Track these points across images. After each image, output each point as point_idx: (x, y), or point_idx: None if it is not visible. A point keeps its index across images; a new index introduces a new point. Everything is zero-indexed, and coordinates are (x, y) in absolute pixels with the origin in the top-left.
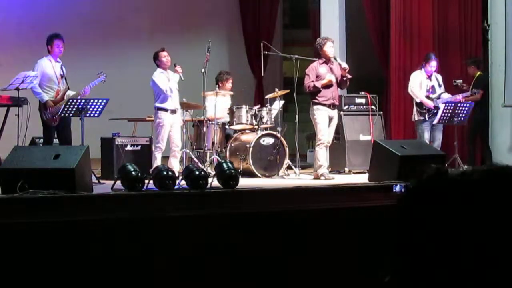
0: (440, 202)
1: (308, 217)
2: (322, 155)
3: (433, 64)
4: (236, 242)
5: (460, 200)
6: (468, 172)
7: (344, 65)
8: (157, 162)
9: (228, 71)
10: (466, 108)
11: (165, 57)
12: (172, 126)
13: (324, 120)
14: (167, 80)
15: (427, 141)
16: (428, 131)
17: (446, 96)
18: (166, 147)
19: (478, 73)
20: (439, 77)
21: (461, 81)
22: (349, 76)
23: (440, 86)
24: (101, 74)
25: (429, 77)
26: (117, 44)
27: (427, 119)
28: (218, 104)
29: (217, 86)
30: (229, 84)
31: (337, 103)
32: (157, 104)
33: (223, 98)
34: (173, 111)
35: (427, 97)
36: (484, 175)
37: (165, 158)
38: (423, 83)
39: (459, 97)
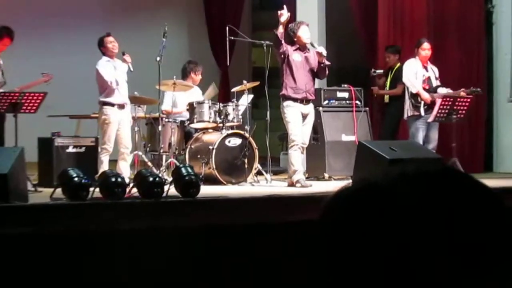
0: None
1: (281, 231)
2: (296, 158)
3: (426, 47)
4: (196, 261)
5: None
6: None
7: (321, 49)
8: (104, 166)
9: (196, 60)
10: (467, 104)
11: (111, 43)
12: (120, 124)
13: (295, 118)
14: (113, 70)
15: (421, 142)
16: (424, 130)
17: (444, 90)
18: (115, 149)
19: (399, 64)
20: (435, 69)
21: (382, 71)
22: (328, 63)
23: (436, 79)
24: (46, 74)
25: (425, 68)
26: (56, 29)
27: (423, 114)
28: (178, 100)
29: (186, 78)
30: (200, 77)
31: (312, 97)
32: (102, 98)
33: (183, 93)
34: (121, 106)
35: (423, 89)
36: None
37: (114, 162)
38: (418, 73)
39: (463, 93)
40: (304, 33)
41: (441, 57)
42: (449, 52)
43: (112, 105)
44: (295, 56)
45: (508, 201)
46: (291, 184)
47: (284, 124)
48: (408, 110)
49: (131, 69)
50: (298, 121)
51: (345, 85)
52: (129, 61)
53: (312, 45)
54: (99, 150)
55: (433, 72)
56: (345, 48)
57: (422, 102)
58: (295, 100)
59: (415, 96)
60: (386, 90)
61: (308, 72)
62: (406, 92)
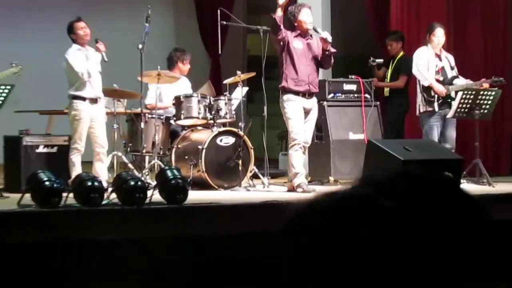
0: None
1: (280, 242)
2: (298, 160)
3: (440, 34)
4: (183, 274)
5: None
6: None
7: (326, 35)
8: (76, 168)
9: (184, 48)
10: (492, 97)
11: (82, 29)
12: (93, 121)
13: (297, 113)
14: (85, 60)
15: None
16: (438, 128)
17: (462, 82)
18: (89, 150)
19: (402, 53)
20: (451, 58)
21: (382, 60)
22: (333, 50)
23: (452, 68)
24: (16, 65)
25: (439, 57)
26: (24, 14)
27: (436, 110)
28: (164, 93)
29: (172, 68)
30: (188, 66)
31: (315, 90)
32: (72, 92)
33: (170, 85)
34: (94, 101)
35: (436, 81)
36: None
37: (89, 163)
38: (431, 63)
39: (486, 85)
40: (306, 17)
41: (461, 43)
42: (470, 38)
43: (83, 99)
44: (296, 43)
45: None
46: (292, 189)
47: (283, 120)
48: (420, 106)
49: (105, 58)
50: (300, 117)
51: (353, 77)
52: (103, 49)
53: (315, 30)
54: (70, 150)
55: (447, 61)
56: (352, 34)
57: (436, 96)
58: (296, 93)
59: (427, 90)
60: (386, 82)
61: (311, 61)
62: (418, 86)
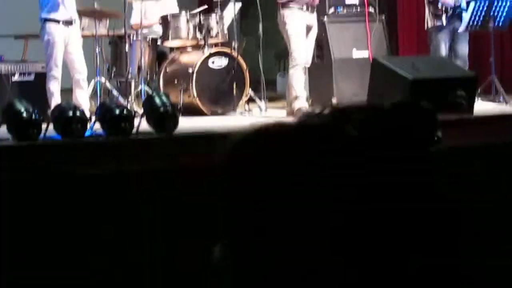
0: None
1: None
2: (299, 81)
3: None
4: (174, 206)
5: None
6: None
7: None
8: (55, 97)
9: None
10: (508, 6)
11: None
12: (68, 44)
13: (299, 28)
14: None
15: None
16: (447, 43)
17: None
18: (68, 76)
19: None
20: None
21: None
22: None
23: None
24: None
25: None
26: None
27: (444, 24)
28: (149, 12)
29: None
30: None
31: (317, 2)
32: (44, 15)
33: (155, 3)
34: (68, 23)
35: None
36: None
37: (69, 91)
38: None
39: None
40: None
41: None
42: None
43: (57, 21)
44: None
45: None
46: (291, 113)
47: (280, 38)
48: (428, 20)
49: None
50: (302, 34)
51: None
52: None
53: None
54: (47, 78)
55: None
56: None
57: (444, 9)
58: (299, 6)
59: (434, 2)
60: None
61: None
62: None
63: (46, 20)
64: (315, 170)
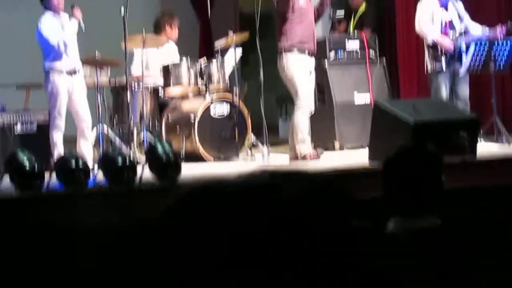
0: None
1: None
2: (305, 125)
3: None
4: (182, 260)
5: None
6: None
7: None
8: (58, 147)
9: (171, 11)
10: (508, 48)
11: None
12: (72, 94)
13: (303, 72)
14: (60, 29)
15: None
16: (447, 85)
17: (476, 29)
18: (72, 125)
19: (364, 4)
20: (459, 5)
21: (342, 12)
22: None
23: (461, 19)
24: None
25: (445, 7)
26: None
27: (444, 68)
28: (150, 60)
29: (159, 33)
30: (177, 31)
31: (316, 48)
32: (48, 64)
33: (156, 51)
34: (72, 72)
35: (444, 36)
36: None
37: (72, 139)
38: (435, 16)
39: (498, 30)
40: None
41: None
42: None
43: (60, 71)
44: (301, 1)
45: None
46: (295, 158)
47: (282, 83)
48: (427, 64)
49: (82, 26)
50: (306, 77)
51: (356, 32)
52: (80, 16)
53: None
54: (50, 128)
55: (455, 9)
56: None
57: (443, 53)
58: (301, 51)
59: (433, 47)
60: None
61: (312, 17)
62: (425, 42)
63: (50, 70)
64: (248, 227)
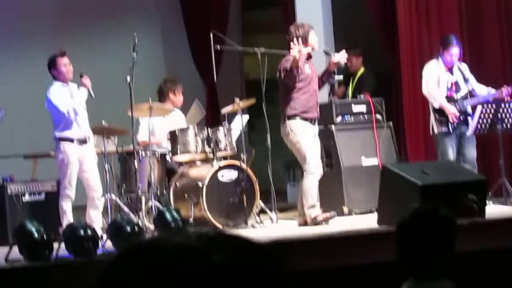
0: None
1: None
2: (315, 190)
3: (455, 52)
4: None
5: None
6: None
7: (340, 58)
8: (68, 216)
9: (174, 78)
10: None
11: (65, 66)
12: (83, 163)
13: (311, 143)
14: (69, 97)
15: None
16: (454, 147)
17: (482, 91)
18: (82, 195)
19: (362, 69)
20: (464, 67)
21: (341, 77)
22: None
23: (466, 80)
24: None
25: (450, 70)
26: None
27: (451, 130)
28: (156, 127)
29: (164, 101)
30: (181, 97)
31: (318, 115)
32: (58, 134)
33: (162, 119)
34: (82, 141)
35: (449, 98)
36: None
37: (80, 208)
38: (441, 79)
39: (505, 92)
40: (315, 40)
41: (477, 48)
42: (487, 41)
43: (71, 140)
44: (306, 69)
45: None
46: (304, 223)
47: (289, 148)
48: (433, 126)
49: (92, 94)
50: (314, 147)
51: (362, 96)
52: (89, 85)
53: (327, 53)
54: (59, 196)
55: (460, 72)
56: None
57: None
58: (306, 119)
59: (439, 110)
60: None
61: (316, 85)
62: (430, 105)
63: (60, 139)
64: None
